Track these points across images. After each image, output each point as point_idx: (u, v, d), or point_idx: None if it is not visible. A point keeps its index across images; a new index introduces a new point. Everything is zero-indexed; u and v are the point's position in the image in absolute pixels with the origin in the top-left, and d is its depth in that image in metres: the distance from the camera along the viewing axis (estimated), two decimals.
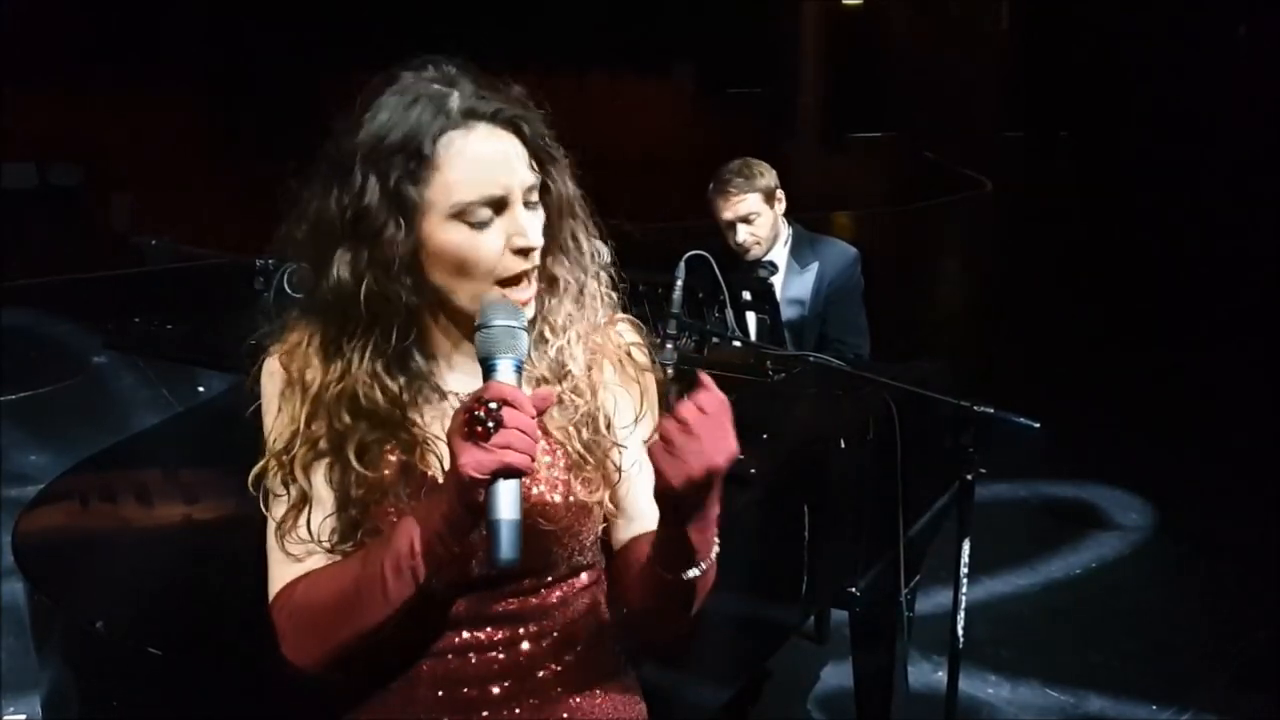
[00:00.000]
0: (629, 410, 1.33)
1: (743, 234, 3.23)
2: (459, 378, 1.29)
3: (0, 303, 7.37)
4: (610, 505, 1.32)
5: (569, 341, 1.30)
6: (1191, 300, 8.38)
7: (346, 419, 1.25)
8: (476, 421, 1.09)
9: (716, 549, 1.24)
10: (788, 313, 3.17)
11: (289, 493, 1.25)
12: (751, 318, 3.07)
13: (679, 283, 2.62)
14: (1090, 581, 4.18)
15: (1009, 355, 6.80)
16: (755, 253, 3.26)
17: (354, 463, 1.24)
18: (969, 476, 2.43)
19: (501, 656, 1.28)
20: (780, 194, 3.28)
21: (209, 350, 2.99)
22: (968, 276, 10.54)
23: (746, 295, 2.94)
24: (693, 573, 1.21)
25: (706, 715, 2.23)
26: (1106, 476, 4.97)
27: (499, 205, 1.21)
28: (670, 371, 1.40)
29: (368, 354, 1.25)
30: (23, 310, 7.44)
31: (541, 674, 1.30)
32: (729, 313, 2.82)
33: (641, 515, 1.32)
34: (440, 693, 1.28)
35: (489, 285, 1.22)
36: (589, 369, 1.32)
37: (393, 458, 1.25)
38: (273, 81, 14.26)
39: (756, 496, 2.20)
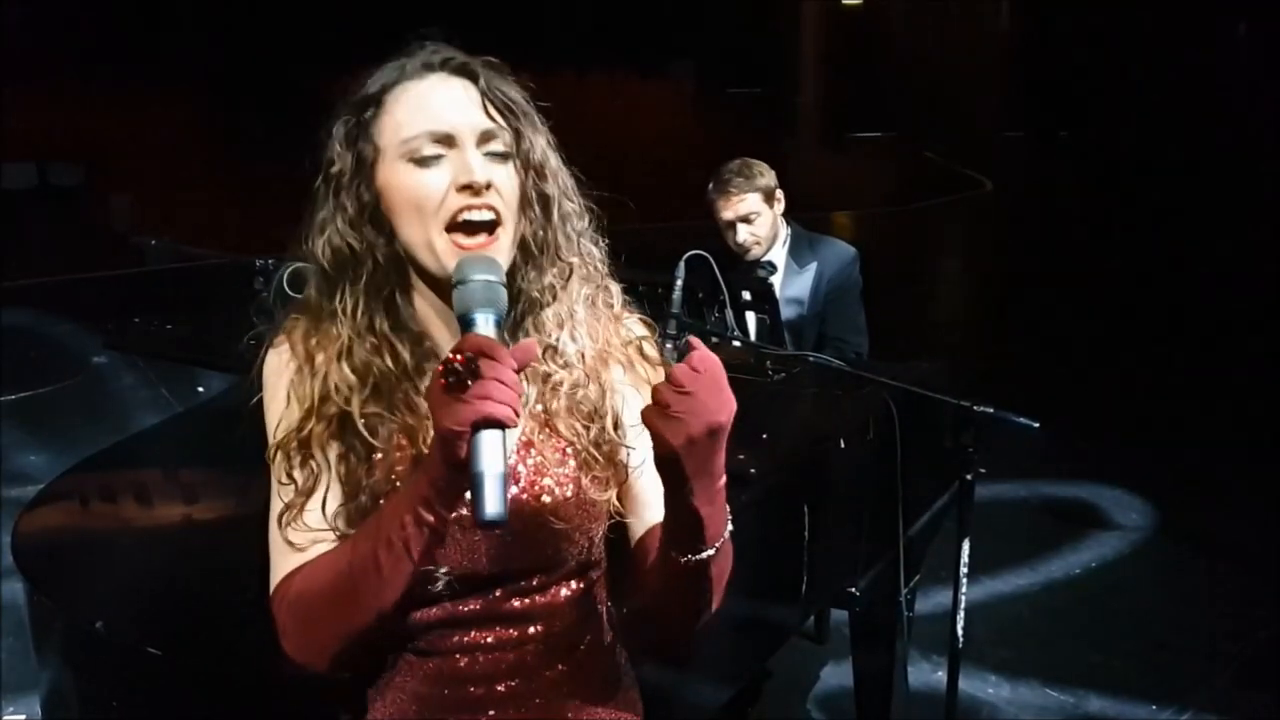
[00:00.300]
0: (639, 408, 1.32)
1: (743, 234, 3.23)
2: None
3: (0, 303, 7.37)
4: (619, 504, 1.32)
5: (555, 316, 1.28)
6: (1191, 300, 8.39)
7: (350, 382, 1.23)
8: (451, 373, 1.06)
9: (730, 529, 1.23)
10: (787, 312, 3.17)
11: (298, 478, 1.23)
12: (751, 318, 3.07)
13: (679, 283, 2.62)
14: (1090, 581, 4.18)
15: (1009, 355, 6.81)
16: (755, 253, 3.26)
17: (363, 432, 1.22)
18: (969, 476, 2.43)
19: (509, 655, 1.28)
20: (780, 194, 3.28)
21: (209, 350, 2.98)
22: (968, 276, 10.54)
23: (746, 295, 2.95)
24: (706, 553, 1.20)
25: (706, 715, 2.23)
26: (1106, 476, 4.97)
27: (446, 142, 1.21)
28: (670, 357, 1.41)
29: (359, 313, 1.25)
30: (23, 310, 7.44)
31: (548, 673, 1.30)
32: (729, 313, 2.82)
33: (652, 510, 1.31)
34: (446, 691, 1.28)
35: (440, 231, 1.20)
36: (598, 369, 1.30)
37: (404, 442, 1.24)
38: (273, 81, 14.27)
39: (756, 496, 2.20)
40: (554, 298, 1.28)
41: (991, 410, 2.36)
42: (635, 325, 1.37)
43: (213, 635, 1.83)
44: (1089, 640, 3.74)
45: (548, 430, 1.27)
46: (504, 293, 1.15)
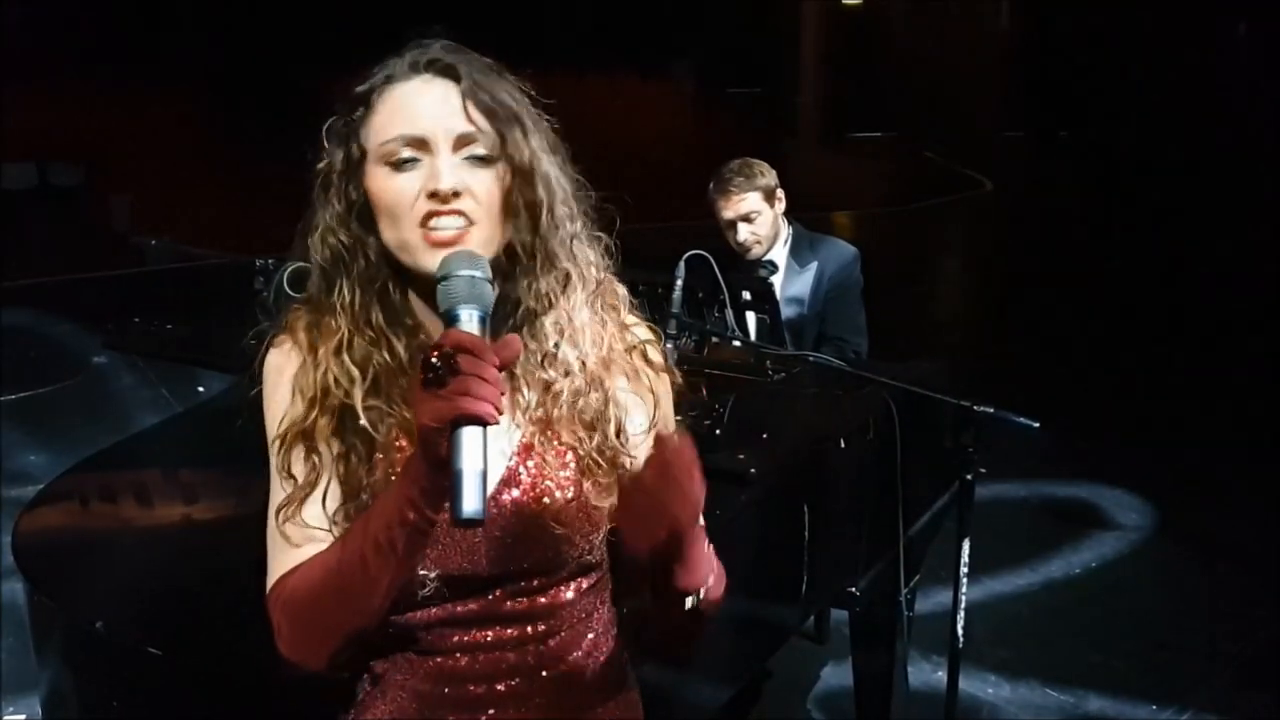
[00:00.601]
0: (642, 416, 1.32)
1: (743, 233, 3.24)
2: None
3: (0, 303, 7.37)
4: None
5: (553, 323, 1.27)
6: (1192, 300, 8.39)
7: (351, 375, 1.23)
8: (431, 369, 1.06)
9: (713, 571, 1.26)
10: (787, 312, 3.17)
11: (299, 472, 1.23)
12: (751, 317, 3.07)
13: (679, 283, 2.62)
14: (1090, 581, 4.18)
15: (1009, 355, 6.81)
16: (755, 252, 3.26)
17: (365, 427, 1.22)
18: (969, 476, 2.43)
19: (510, 655, 1.28)
20: (780, 193, 3.29)
21: (209, 350, 2.99)
22: (968, 276, 10.55)
23: (746, 295, 2.95)
24: (691, 602, 1.23)
25: (706, 715, 2.23)
26: (1106, 476, 4.97)
27: (420, 146, 1.19)
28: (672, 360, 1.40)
29: (356, 307, 1.25)
30: (23, 310, 7.44)
31: (548, 673, 1.30)
32: (729, 312, 2.82)
33: None
34: (447, 689, 1.28)
35: (413, 231, 1.19)
36: (601, 376, 1.29)
37: (404, 442, 1.24)
38: (273, 81, 14.28)
39: (756, 496, 2.20)
40: (550, 305, 1.27)
41: (991, 410, 2.37)
42: (640, 330, 1.36)
43: (213, 635, 1.83)
44: (1089, 640, 3.74)
45: (549, 435, 1.27)
46: (489, 288, 1.14)
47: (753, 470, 2.17)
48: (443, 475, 1.07)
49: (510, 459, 1.26)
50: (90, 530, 2.34)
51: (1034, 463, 4.80)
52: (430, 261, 1.17)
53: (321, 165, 1.25)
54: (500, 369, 1.08)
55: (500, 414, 1.07)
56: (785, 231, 3.33)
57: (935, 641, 3.32)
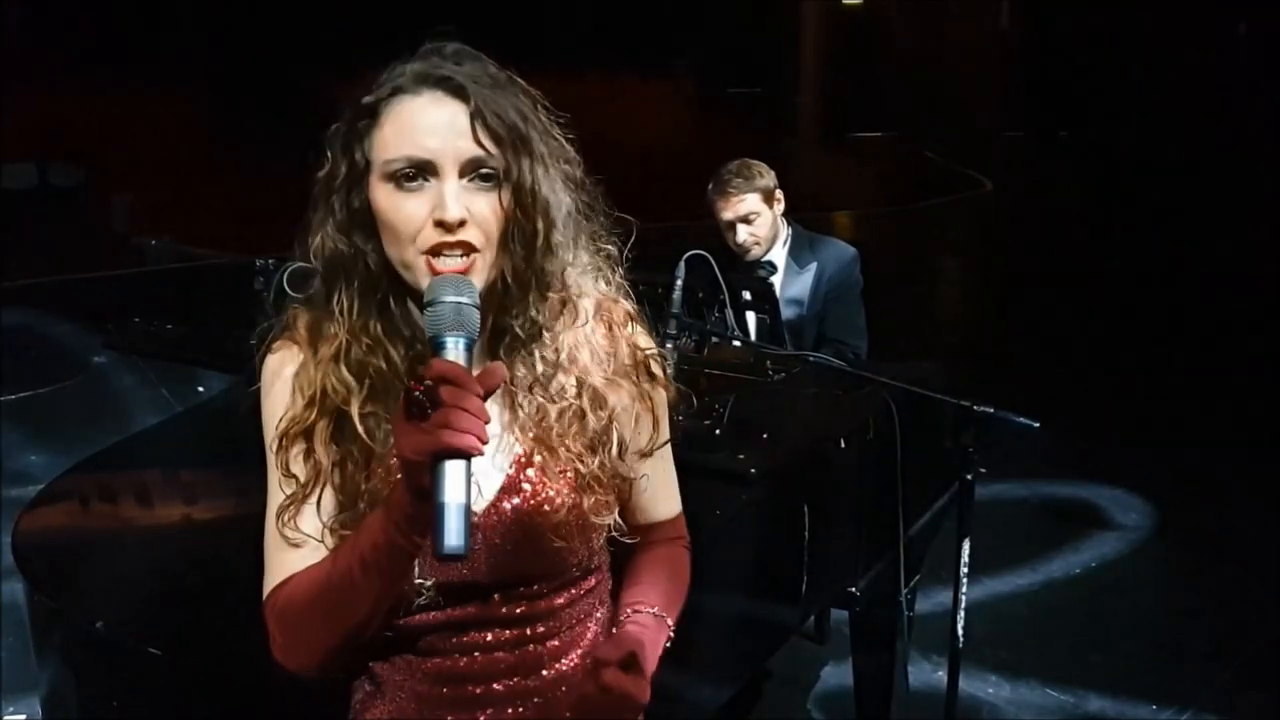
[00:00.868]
0: (645, 433, 1.33)
1: (742, 234, 3.24)
2: None
3: (0, 303, 7.37)
4: (619, 518, 1.33)
5: (546, 349, 1.26)
6: (1192, 300, 8.39)
7: (348, 383, 1.22)
8: (413, 402, 1.05)
9: (668, 641, 1.35)
10: (786, 312, 3.17)
11: (298, 473, 1.22)
12: (751, 318, 3.07)
13: (679, 283, 2.62)
14: (1090, 581, 4.18)
15: (1009, 355, 6.81)
16: (755, 253, 3.26)
17: (362, 435, 1.21)
18: (969, 476, 2.43)
19: (509, 656, 1.28)
20: (779, 194, 3.29)
21: (209, 350, 2.99)
22: (968, 276, 10.54)
23: (746, 295, 2.95)
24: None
25: (706, 715, 2.23)
26: (1106, 476, 4.97)
27: (425, 170, 1.17)
28: (670, 371, 1.39)
29: (354, 314, 1.24)
30: (23, 310, 7.44)
31: (546, 672, 1.30)
32: (729, 313, 2.82)
33: (648, 512, 1.39)
34: (445, 689, 1.28)
35: (416, 256, 1.17)
36: (601, 396, 1.28)
37: None
38: (273, 81, 14.27)
39: (756, 496, 2.20)
40: (541, 332, 1.26)
41: (991, 410, 2.36)
42: (644, 341, 1.35)
43: (213, 635, 1.83)
44: (1089, 640, 3.75)
45: (548, 452, 1.26)
46: (476, 315, 1.12)
47: (753, 470, 2.17)
48: (426, 505, 1.06)
49: (510, 467, 1.26)
50: (90, 530, 2.34)
51: (1034, 463, 4.80)
52: (427, 282, 1.16)
53: (324, 172, 1.23)
54: (484, 397, 1.07)
55: (485, 443, 1.06)
56: (784, 232, 3.33)
57: (935, 641, 3.32)
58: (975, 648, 3.30)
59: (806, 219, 3.48)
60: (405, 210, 1.17)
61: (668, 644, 1.36)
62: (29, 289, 8.21)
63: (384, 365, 1.23)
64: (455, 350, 1.09)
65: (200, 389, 3.24)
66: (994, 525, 3.76)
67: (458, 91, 1.19)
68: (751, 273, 3.22)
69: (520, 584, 1.27)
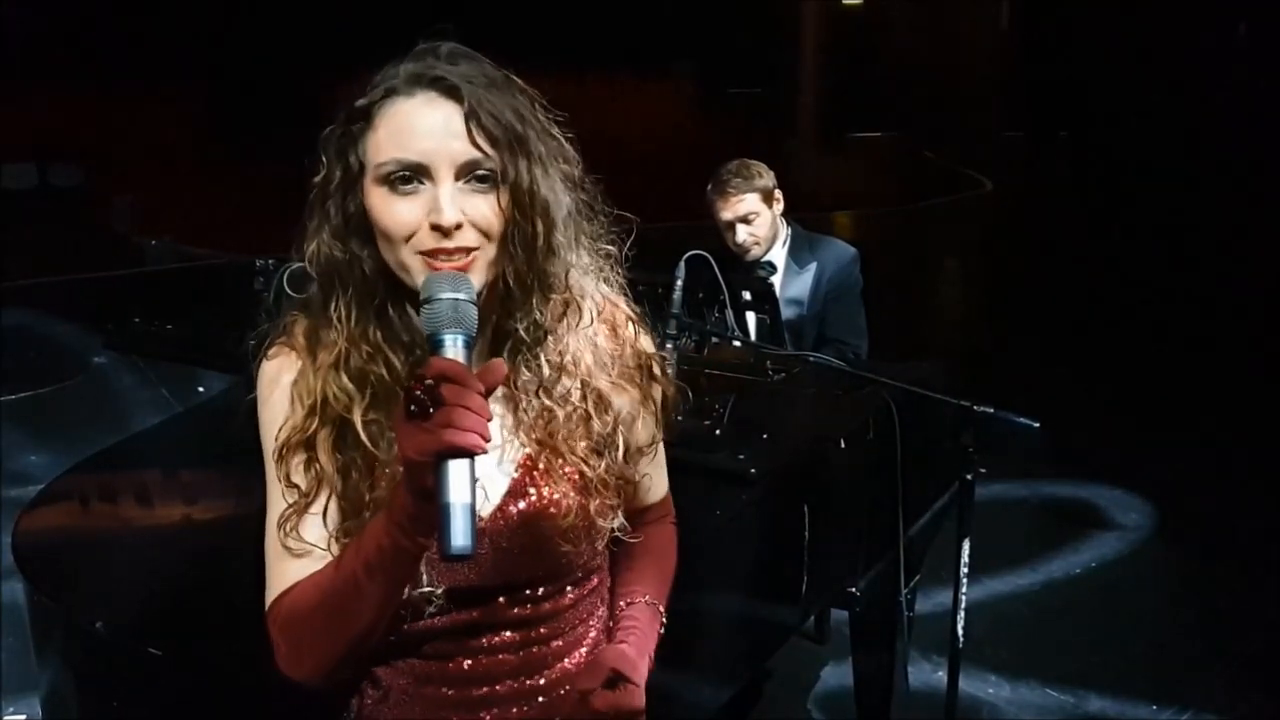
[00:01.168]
0: (649, 433, 1.34)
1: (742, 234, 3.24)
2: None
3: (0, 303, 7.37)
4: (623, 519, 1.33)
5: (549, 353, 1.25)
6: (1192, 300, 8.38)
7: (349, 391, 1.21)
8: (414, 401, 1.03)
9: (661, 626, 1.39)
10: (786, 312, 3.17)
11: (300, 482, 1.21)
12: (751, 318, 3.07)
13: (679, 283, 2.62)
14: (1090, 581, 4.18)
15: (1009, 355, 6.80)
16: (755, 253, 3.26)
17: (364, 442, 1.19)
18: (969, 476, 2.43)
19: (512, 657, 1.29)
20: (779, 194, 3.29)
21: (209, 350, 2.98)
22: (968, 276, 10.54)
23: (746, 295, 2.95)
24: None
25: (706, 715, 2.23)
26: (1106, 476, 4.97)
27: (420, 173, 1.15)
28: (671, 371, 1.39)
29: (353, 321, 1.22)
30: (23, 310, 7.43)
31: (550, 672, 1.31)
32: (729, 313, 2.82)
33: (643, 498, 1.41)
34: (449, 690, 1.28)
35: (413, 257, 1.16)
36: (605, 399, 1.28)
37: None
38: (273, 81, 14.27)
39: (756, 496, 2.20)
40: (545, 335, 1.25)
41: (991, 410, 2.36)
42: (645, 342, 1.35)
43: (213, 635, 1.83)
44: (1089, 640, 3.75)
45: (554, 455, 1.25)
46: (474, 312, 1.11)
47: (753, 470, 2.17)
48: (429, 506, 1.05)
49: (515, 471, 1.25)
50: (90, 530, 2.34)
51: (1034, 463, 4.80)
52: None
53: (319, 178, 1.22)
54: (486, 395, 1.05)
55: (488, 441, 1.04)
56: (784, 232, 3.33)
57: (935, 641, 3.32)
58: (975, 648, 3.30)
59: (806, 219, 3.48)
60: (400, 214, 1.15)
61: (661, 628, 1.39)
62: (29, 289, 8.21)
63: (384, 373, 1.21)
64: (454, 348, 1.08)
65: (200, 389, 3.24)
66: (994, 525, 3.75)
67: (452, 92, 1.17)
68: (751, 273, 3.22)
69: (525, 587, 1.27)
